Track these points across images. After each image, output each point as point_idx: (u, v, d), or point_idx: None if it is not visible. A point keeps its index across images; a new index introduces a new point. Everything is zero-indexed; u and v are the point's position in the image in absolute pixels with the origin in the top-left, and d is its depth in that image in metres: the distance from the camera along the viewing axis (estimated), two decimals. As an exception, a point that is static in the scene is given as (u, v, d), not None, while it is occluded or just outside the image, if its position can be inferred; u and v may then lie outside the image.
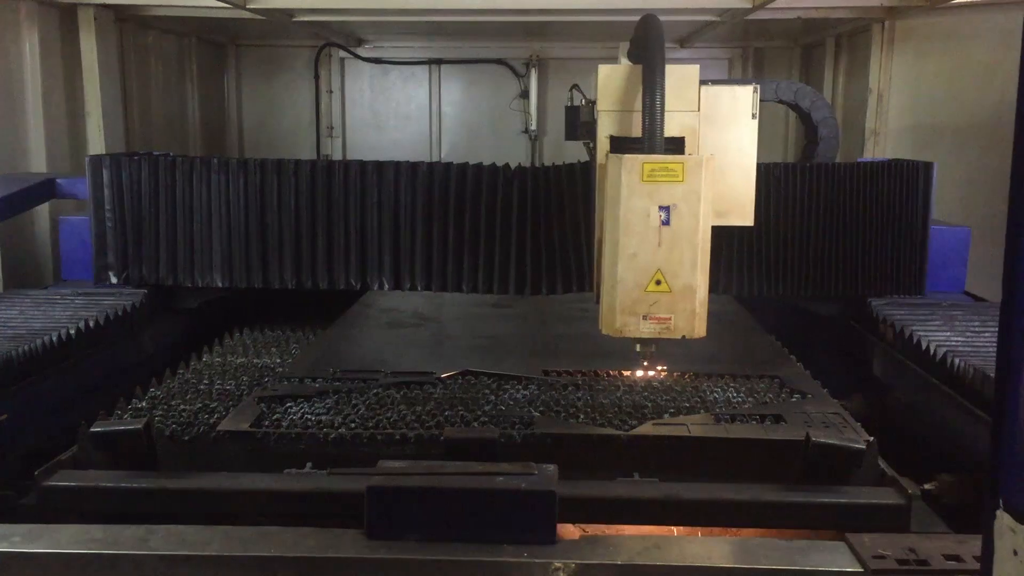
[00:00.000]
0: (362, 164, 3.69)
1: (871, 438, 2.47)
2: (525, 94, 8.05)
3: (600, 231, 2.77)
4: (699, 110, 2.79)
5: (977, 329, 3.20)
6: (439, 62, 8.18)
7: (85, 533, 2.07)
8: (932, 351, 2.98)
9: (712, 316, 2.73)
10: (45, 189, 4.20)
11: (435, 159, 7.87)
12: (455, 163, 3.68)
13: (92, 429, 2.47)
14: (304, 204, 3.69)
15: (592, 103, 2.95)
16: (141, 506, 2.37)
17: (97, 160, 3.79)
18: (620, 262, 2.60)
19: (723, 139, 2.87)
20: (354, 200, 3.68)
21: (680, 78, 2.74)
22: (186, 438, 2.58)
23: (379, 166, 3.68)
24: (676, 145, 2.73)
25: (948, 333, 3.16)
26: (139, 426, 2.44)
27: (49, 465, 2.43)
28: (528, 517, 2.03)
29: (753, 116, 2.90)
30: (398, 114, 8.32)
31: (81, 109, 5.79)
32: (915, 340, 3.12)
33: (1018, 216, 1.23)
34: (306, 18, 6.35)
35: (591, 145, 3.11)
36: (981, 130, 5.46)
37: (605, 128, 2.80)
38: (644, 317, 2.63)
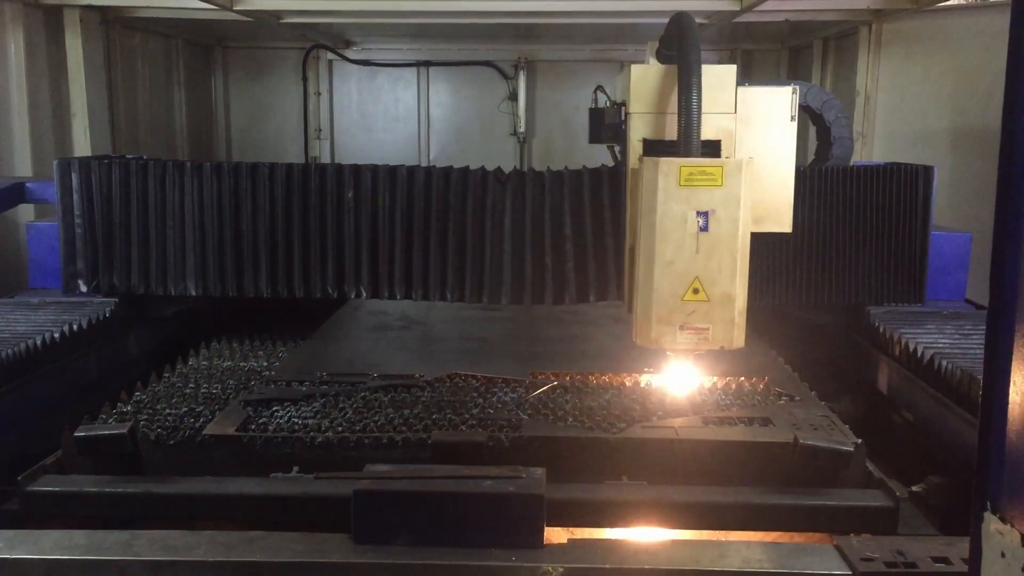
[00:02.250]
0: (338, 168, 3.54)
1: (859, 440, 2.47)
2: (513, 96, 8.05)
3: (632, 238, 2.66)
4: (735, 112, 2.68)
5: (967, 331, 3.20)
6: (427, 64, 8.17)
7: (69, 539, 2.06)
8: (920, 353, 2.99)
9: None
10: (14, 193, 4.04)
11: (424, 162, 7.93)
12: (437, 167, 3.54)
13: (76, 433, 2.44)
14: (279, 210, 3.54)
15: (618, 105, 2.86)
16: (126, 511, 2.36)
17: (65, 163, 3.61)
18: (656, 270, 2.51)
19: (760, 142, 2.76)
20: (331, 205, 3.54)
21: (716, 78, 2.63)
22: (171, 442, 2.56)
23: (356, 170, 3.53)
24: (712, 148, 2.64)
25: (936, 336, 3.15)
26: (124, 430, 2.43)
27: (33, 470, 2.41)
28: (516, 521, 2.02)
29: (792, 118, 2.78)
30: (387, 116, 8.32)
31: (67, 111, 5.76)
32: (903, 342, 3.13)
33: (1005, 218, 1.23)
34: (294, 20, 6.34)
35: (616, 149, 3.02)
36: (968, 133, 5.48)
37: (637, 131, 2.69)
38: (681, 327, 2.54)
